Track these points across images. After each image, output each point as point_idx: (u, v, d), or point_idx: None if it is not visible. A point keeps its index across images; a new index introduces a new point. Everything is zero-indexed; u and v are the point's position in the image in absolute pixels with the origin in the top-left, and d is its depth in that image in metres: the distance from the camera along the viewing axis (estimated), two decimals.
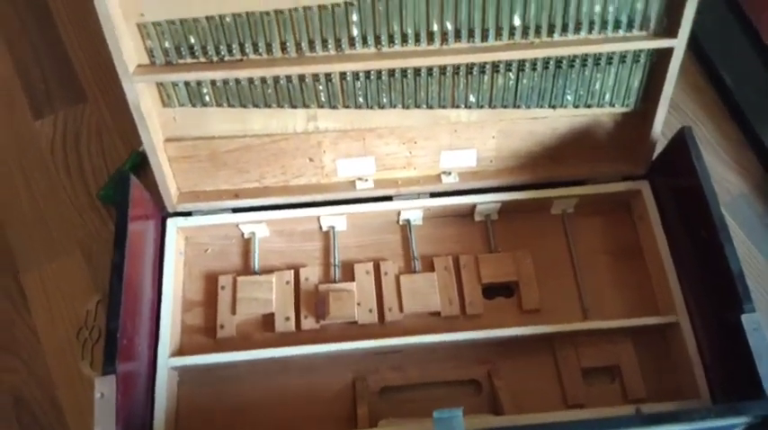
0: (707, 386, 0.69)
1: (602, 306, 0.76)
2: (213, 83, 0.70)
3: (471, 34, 0.67)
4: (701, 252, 0.71)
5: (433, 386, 0.72)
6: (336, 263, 0.78)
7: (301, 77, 0.69)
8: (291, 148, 0.76)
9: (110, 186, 0.88)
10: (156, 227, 0.76)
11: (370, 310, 0.75)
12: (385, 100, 0.73)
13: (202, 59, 0.67)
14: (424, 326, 0.75)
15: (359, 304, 0.75)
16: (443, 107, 0.74)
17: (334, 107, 0.73)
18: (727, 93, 0.97)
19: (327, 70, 0.68)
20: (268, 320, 0.75)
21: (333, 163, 0.78)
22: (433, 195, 0.79)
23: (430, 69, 0.70)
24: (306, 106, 0.72)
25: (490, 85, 0.72)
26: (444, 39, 0.68)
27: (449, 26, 0.67)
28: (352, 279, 0.77)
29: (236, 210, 0.78)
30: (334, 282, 0.77)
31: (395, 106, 0.73)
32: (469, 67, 0.71)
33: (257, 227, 0.79)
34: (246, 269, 0.79)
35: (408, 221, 0.81)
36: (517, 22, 0.67)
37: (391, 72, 0.70)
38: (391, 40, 0.67)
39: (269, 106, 0.72)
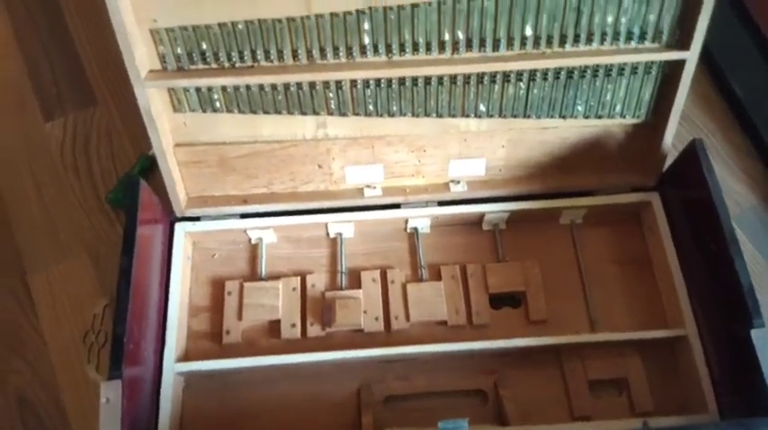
0: (715, 401, 0.68)
1: (609, 317, 0.75)
2: (224, 89, 0.70)
3: (483, 44, 0.67)
4: (710, 265, 0.70)
5: (438, 396, 0.72)
6: (343, 270, 0.78)
7: (312, 84, 0.70)
8: (300, 155, 0.76)
9: (118, 189, 0.89)
10: (165, 231, 0.76)
11: (377, 318, 0.75)
12: (395, 108, 0.73)
13: (214, 65, 0.67)
14: (430, 335, 0.75)
15: (365, 312, 0.75)
16: (453, 116, 0.74)
17: (343, 114, 0.73)
18: (737, 103, 0.96)
19: (338, 78, 0.68)
20: (274, 327, 0.75)
21: (341, 170, 0.78)
22: (442, 204, 0.79)
23: (440, 78, 0.70)
24: (316, 113, 0.72)
25: (501, 94, 0.72)
26: (455, 48, 0.68)
27: (460, 35, 0.67)
28: (359, 286, 0.77)
29: (243, 216, 0.78)
30: (341, 289, 0.77)
31: (405, 114, 0.73)
32: (480, 77, 0.71)
33: (265, 232, 0.79)
34: (253, 275, 0.79)
35: (416, 229, 0.80)
36: (529, 32, 0.67)
37: (402, 80, 0.70)
38: (402, 49, 0.67)
39: (279, 112, 0.72)
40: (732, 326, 0.66)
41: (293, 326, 0.74)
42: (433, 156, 0.77)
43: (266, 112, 0.72)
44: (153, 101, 0.67)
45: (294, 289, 0.76)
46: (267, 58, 0.67)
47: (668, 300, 0.75)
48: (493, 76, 0.70)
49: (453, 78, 0.70)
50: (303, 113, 0.72)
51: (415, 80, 0.70)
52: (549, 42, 0.68)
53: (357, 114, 0.73)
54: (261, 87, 0.70)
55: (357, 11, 0.64)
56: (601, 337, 0.72)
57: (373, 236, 0.81)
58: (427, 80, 0.70)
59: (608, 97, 0.73)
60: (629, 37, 0.68)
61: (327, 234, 0.81)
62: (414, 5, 0.64)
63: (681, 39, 0.68)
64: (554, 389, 0.72)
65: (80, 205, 0.90)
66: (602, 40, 0.68)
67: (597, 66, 0.70)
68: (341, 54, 0.67)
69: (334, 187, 0.79)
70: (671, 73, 0.71)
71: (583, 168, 0.79)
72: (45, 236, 0.88)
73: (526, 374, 0.73)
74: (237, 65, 0.67)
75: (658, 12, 0.66)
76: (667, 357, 0.74)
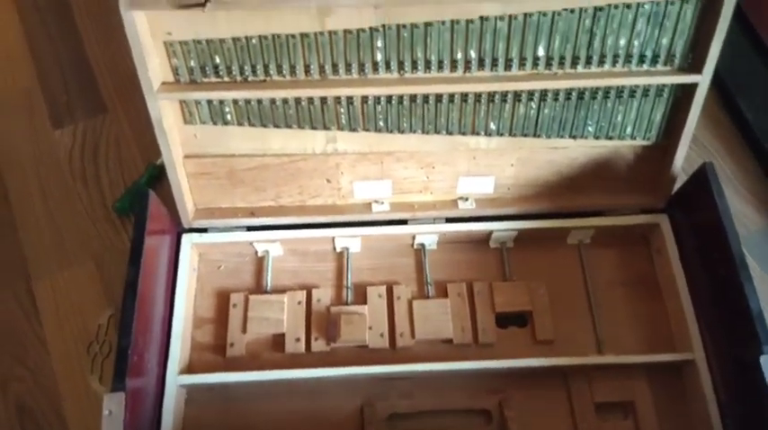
0: (721, 426, 0.68)
1: (617, 339, 0.75)
2: (236, 102, 0.70)
3: (495, 63, 0.67)
4: (719, 289, 0.70)
5: (442, 414, 0.71)
6: (349, 285, 0.78)
7: (323, 99, 0.70)
8: (309, 169, 0.76)
9: (125, 198, 0.89)
10: (171, 242, 0.76)
11: (382, 335, 0.74)
12: (405, 125, 0.73)
13: (226, 79, 0.67)
14: (435, 353, 0.74)
15: (370, 328, 0.74)
16: (463, 134, 0.74)
17: (354, 130, 0.73)
18: (746, 125, 0.96)
19: (349, 93, 0.69)
20: (278, 340, 0.75)
21: (350, 185, 0.77)
22: (449, 221, 0.79)
23: (451, 96, 0.70)
24: (326, 128, 0.73)
25: (511, 113, 0.72)
26: (467, 67, 0.68)
27: (473, 54, 0.67)
28: (365, 302, 0.76)
29: (250, 228, 0.78)
30: (347, 304, 0.77)
31: (415, 131, 0.73)
32: (491, 96, 0.71)
33: (271, 245, 0.79)
34: (258, 287, 0.78)
35: (423, 246, 0.80)
36: (541, 52, 0.67)
37: (413, 97, 0.70)
38: (414, 66, 0.67)
39: (289, 126, 0.72)
40: (740, 352, 0.66)
41: (297, 340, 0.74)
42: (441, 173, 0.77)
43: (277, 126, 0.72)
44: (165, 112, 0.67)
45: (299, 303, 0.76)
46: (279, 72, 0.67)
47: (676, 323, 0.75)
48: (504, 95, 0.71)
49: (464, 96, 0.70)
50: (314, 128, 0.72)
51: (426, 97, 0.70)
52: (562, 63, 0.68)
53: (367, 130, 0.73)
54: (272, 101, 0.70)
55: (371, 28, 0.64)
56: (608, 360, 0.71)
57: (380, 251, 0.81)
58: (438, 98, 0.70)
59: (619, 119, 0.73)
60: (641, 60, 0.68)
61: (334, 248, 0.80)
62: (427, 24, 0.64)
63: (693, 62, 0.68)
64: (560, 411, 0.71)
65: (87, 213, 0.90)
66: (615, 63, 0.68)
67: (609, 87, 0.70)
68: (353, 70, 0.67)
69: (342, 202, 0.79)
70: (683, 96, 0.71)
71: (592, 188, 0.79)
72: (51, 243, 0.88)
73: (532, 395, 0.72)
74: (250, 78, 0.67)
75: (671, 36, 0.66)
76: (674, 381, 0.73)
